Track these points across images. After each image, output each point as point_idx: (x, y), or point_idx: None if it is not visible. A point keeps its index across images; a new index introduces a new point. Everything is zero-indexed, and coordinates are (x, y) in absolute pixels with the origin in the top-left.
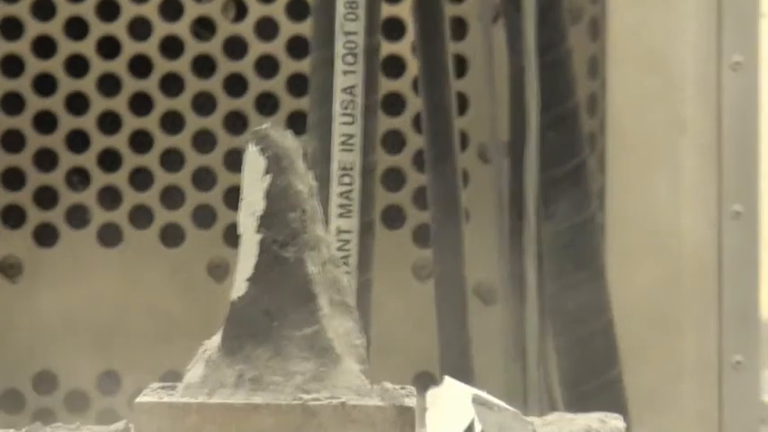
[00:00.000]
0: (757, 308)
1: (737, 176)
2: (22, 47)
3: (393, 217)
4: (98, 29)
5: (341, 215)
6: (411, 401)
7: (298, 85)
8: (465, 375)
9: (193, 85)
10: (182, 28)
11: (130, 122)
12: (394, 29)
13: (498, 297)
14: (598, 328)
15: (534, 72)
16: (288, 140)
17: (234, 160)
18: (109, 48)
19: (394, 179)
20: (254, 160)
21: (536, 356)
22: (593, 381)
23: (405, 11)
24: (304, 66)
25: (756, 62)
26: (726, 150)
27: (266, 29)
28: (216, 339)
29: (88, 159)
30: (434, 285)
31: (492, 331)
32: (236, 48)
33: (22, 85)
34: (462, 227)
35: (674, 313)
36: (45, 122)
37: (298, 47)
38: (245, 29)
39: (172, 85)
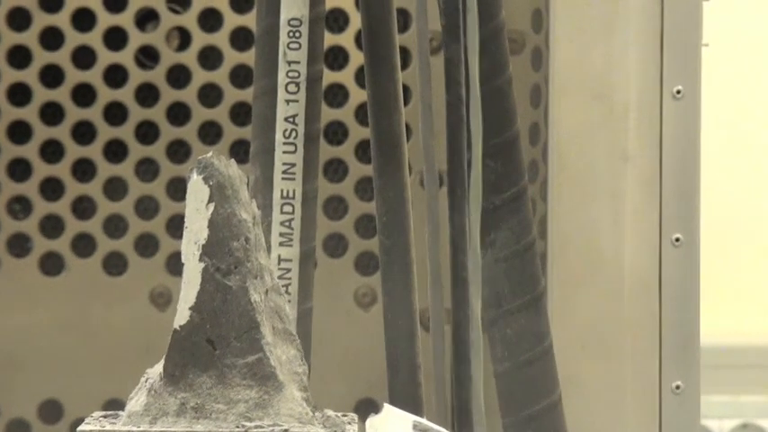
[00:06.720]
0: (697, 333)
1: (678, 204)
2: None
3: (335, 245)
4: (41, 57)
5: (282, 244)
6: (353, 428)
7: (241, 113)
8: (414, 404)
9: (136, 113)
10: (125, 57)
11: (73, 151)
12: (336, 57)
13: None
14: (538, 353)
15: (478, 102)
16: (231, 169)
17: (177, 189)
18: (52, 76)
19: (336, 207)
20: (197, 189)
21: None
22: (534, 406)
23: (348, 40)
24: (247, 94)
25: (698, 91)
26: (667, 178)
27: (210, 58)
28: (158, 368)
29: (30, 188)
30: (383, 313)
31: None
32: (179, 76)
33: None
34: (411, 254)
35: (614, 339)
36: None
37: (241, 76)
38: (189, 58)
39: (115, 113)
